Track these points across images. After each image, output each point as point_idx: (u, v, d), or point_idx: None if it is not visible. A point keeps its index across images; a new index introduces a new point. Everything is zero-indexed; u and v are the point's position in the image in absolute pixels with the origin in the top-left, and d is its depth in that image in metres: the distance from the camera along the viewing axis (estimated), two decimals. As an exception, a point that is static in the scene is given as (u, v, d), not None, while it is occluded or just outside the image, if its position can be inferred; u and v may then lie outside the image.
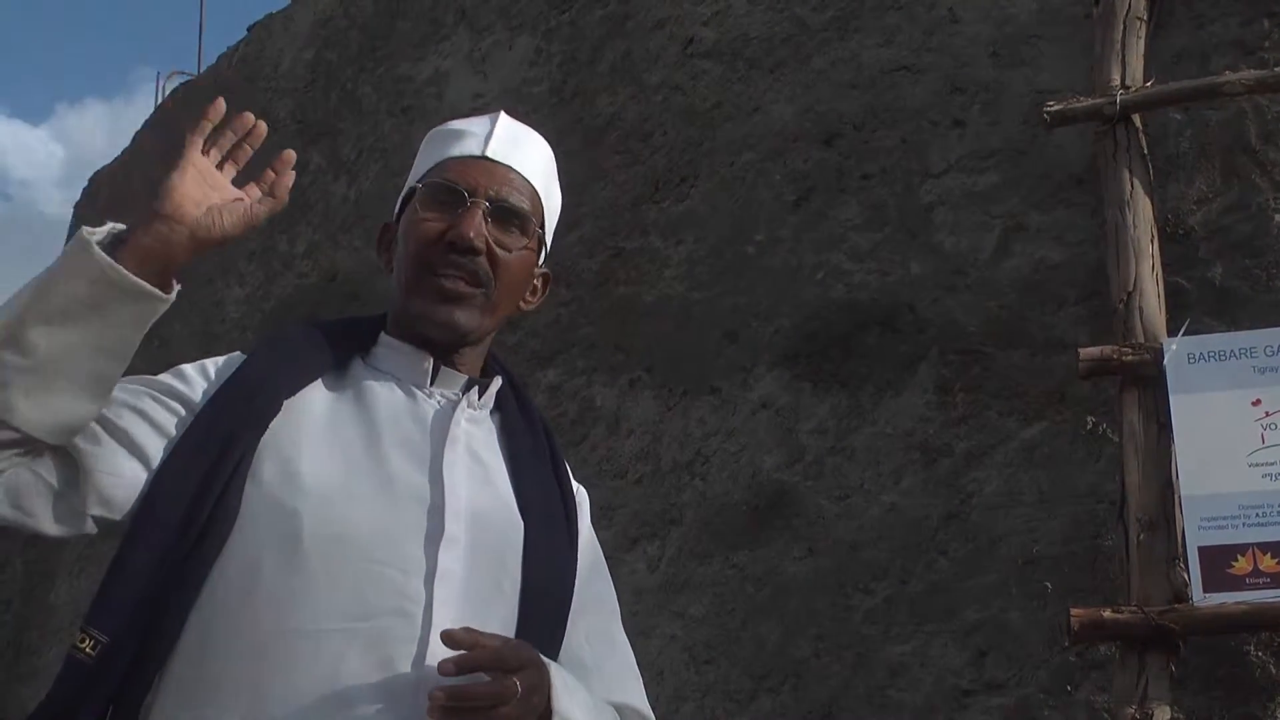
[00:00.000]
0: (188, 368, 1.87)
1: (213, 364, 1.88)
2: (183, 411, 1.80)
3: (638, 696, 2.01)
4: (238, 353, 1.93)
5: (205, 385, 1.83)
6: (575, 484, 2.09)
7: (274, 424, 1.80)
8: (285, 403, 1.81)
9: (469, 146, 1.98)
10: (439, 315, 1.90)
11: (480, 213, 1.90)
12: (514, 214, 1.94)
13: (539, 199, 2.00)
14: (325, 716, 1.66)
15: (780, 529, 4.18)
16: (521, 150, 2.01)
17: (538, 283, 2.06)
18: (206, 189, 1.78)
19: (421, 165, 2.03)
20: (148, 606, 1.69)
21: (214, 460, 1.73)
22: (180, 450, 1.75)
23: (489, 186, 1.93)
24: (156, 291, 1.68)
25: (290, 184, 1.87)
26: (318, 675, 1.67)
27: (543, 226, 2.01)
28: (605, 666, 1.99)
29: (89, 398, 1.68)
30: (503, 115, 2.04)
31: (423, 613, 1.73)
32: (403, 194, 2.05)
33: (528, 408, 2.07)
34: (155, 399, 1.80)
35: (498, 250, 1.91)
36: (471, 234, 1.88)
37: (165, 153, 8.52)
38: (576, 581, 2.00)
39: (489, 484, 1.90)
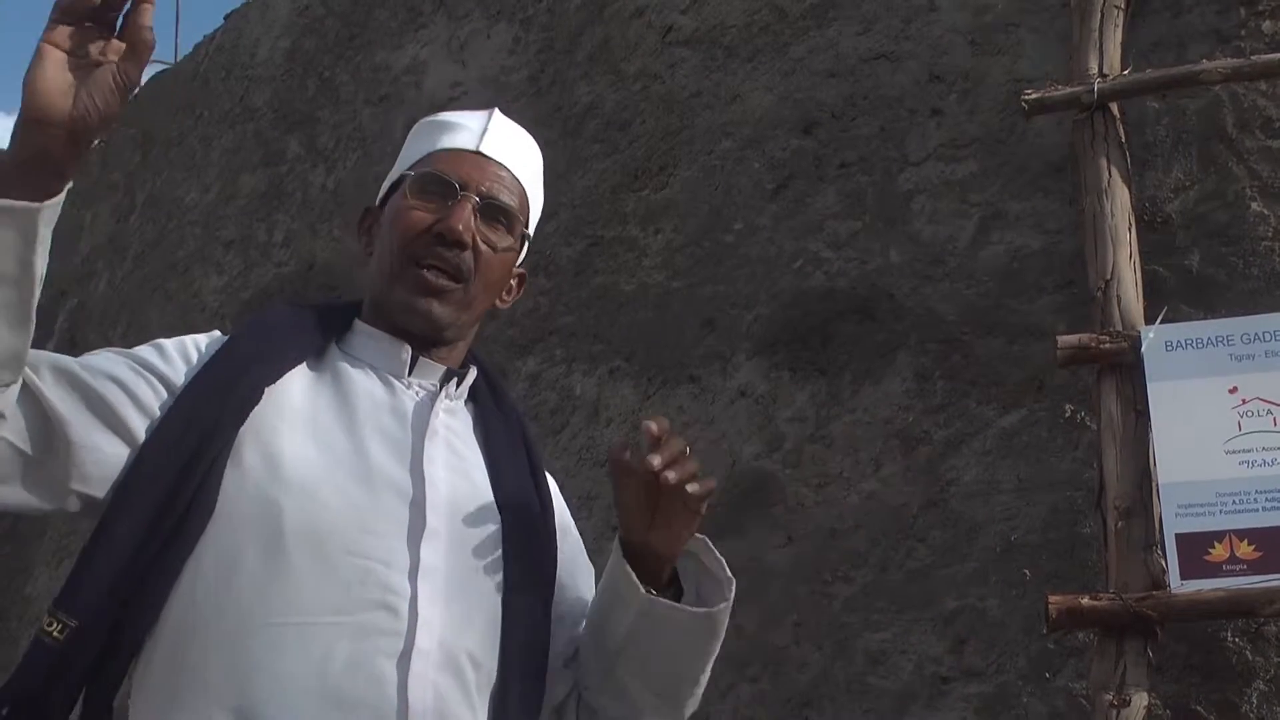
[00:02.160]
0: (168, 344, 1.84)
1: (193, 343, 1.86)
2: (164, 392, 1.78)
3: None
4: (216, 332, 1.92)
5: (186, 367, 1.81)
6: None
7: (255, 410, 1.78)
8: (266, 390, 1.80)
9: (462, 139, 1.97)
10: (419, 306, 1.90)
11: (470, 207, 1.90)
12: (502, 212, 1.94)
13: (526, 199, 2.00)
14: (311, 708, 1.65)
15: (759, 517, 4.18)
16: (514, 149, 2.01)
17: (513, 282, 2.07)
18: (74, 70, 1.55)
19: (411, 153, 2.01)
20: (121, 593, 1.67)
21: (195, 448, 1.72)
22: (161, 434, 1.73)
23: (480, 181, 1.93)
24: (26, 204, 1.52)
25: (147, 19, 1.58)
26: (304, 667, 1.66)
27: (527, 226, 2.01)
28: None
29: (5, 327, 1.58)
30: (497, 112, 2.04)
31: (408, 607, 1.73)
32: (389, 180, 2.03)
33: (502, 398, 2.07)
34: (137, 372, 1.78)
35: (483, 246, 1.91)
36: (460, 227, 1.88)
37: (142, 143, 8.48)
38: (569, 565, 2.05)
39: (467, 476, 1.90)
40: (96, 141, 1.59)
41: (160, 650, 1.70)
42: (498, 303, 2.04)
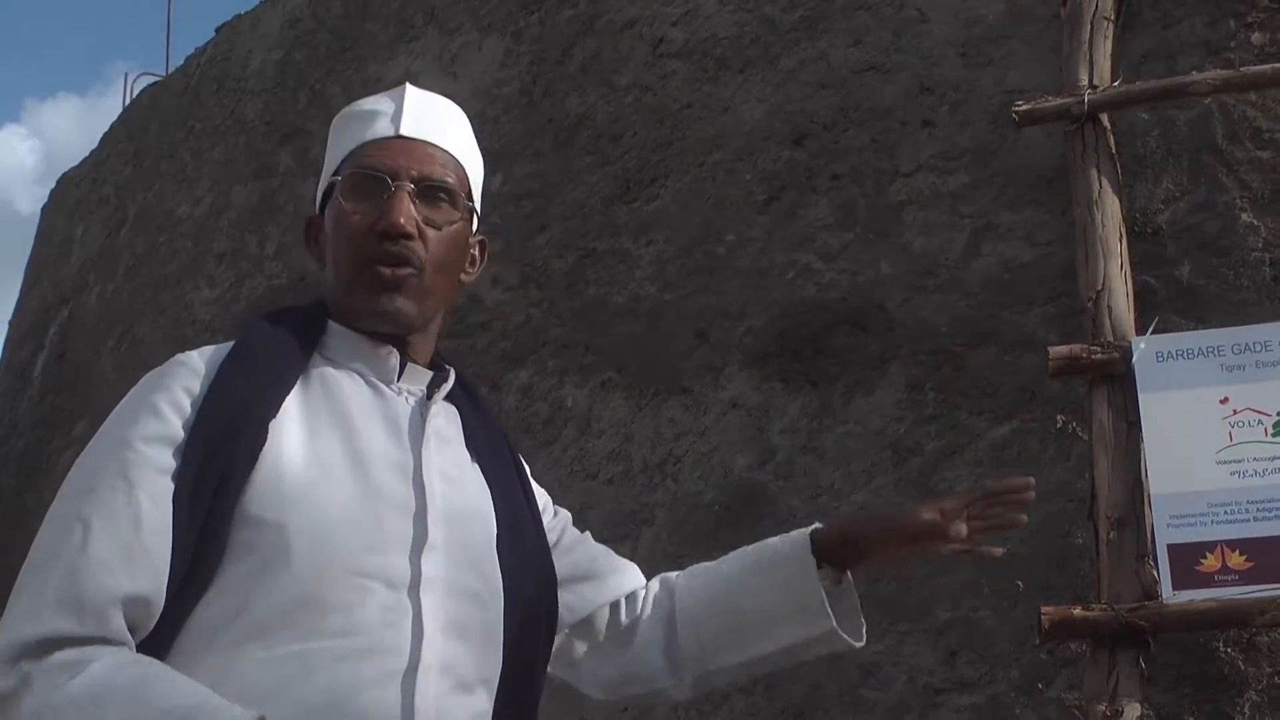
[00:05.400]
0: (161, 403, 1.76)
1: (182, 390, 1.77)
2: (173, 463, 1.71)
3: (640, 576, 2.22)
4: (195, 356, 1.84)
5: (181, 420, 1.74)
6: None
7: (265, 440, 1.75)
8: (272, 422, 1.75)
9: (381, 127, 1.92)
10: (383, 306, 1.86)
11: (406, 195, 1.85)
12: (440, 190, 1.89)
13: (462, 169, 1.95)
14: None
15: (752, 529, 4.18)
16: (435, 122, 1.96)
17: (475, 251, 2.01)
18: None
19: (336, 153, 1.97)
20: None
21: (210, 504, 1.68)
22: (180, 497, 1.69)
23: (409, 166, 1.88)
24: None
25: None
26: (308, 694, 1.64)
27: (470, 196, 1.96)
28: (614, 564, 2.18)
29: None
30: (409, 88, 1.98)
31: (410, 624, 1.72)
32: (322, 184, 1.99)
33: (476, 397, 2.06)
34: (154, 498, 1.69)
35: (429, 230, 1.87)
36: (401, 220, 1.83)
37: (133, 157, 8.49)
38: (561, 538, 2.07)
39: (460, 481, 1.88)
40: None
41: None
42: (463, 277, 1.99)
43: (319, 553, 1.69)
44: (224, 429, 1.73)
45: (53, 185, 10.27)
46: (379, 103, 1.97)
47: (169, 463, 1.71)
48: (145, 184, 8.09)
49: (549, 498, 2.16)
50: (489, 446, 1.99)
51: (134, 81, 11.48)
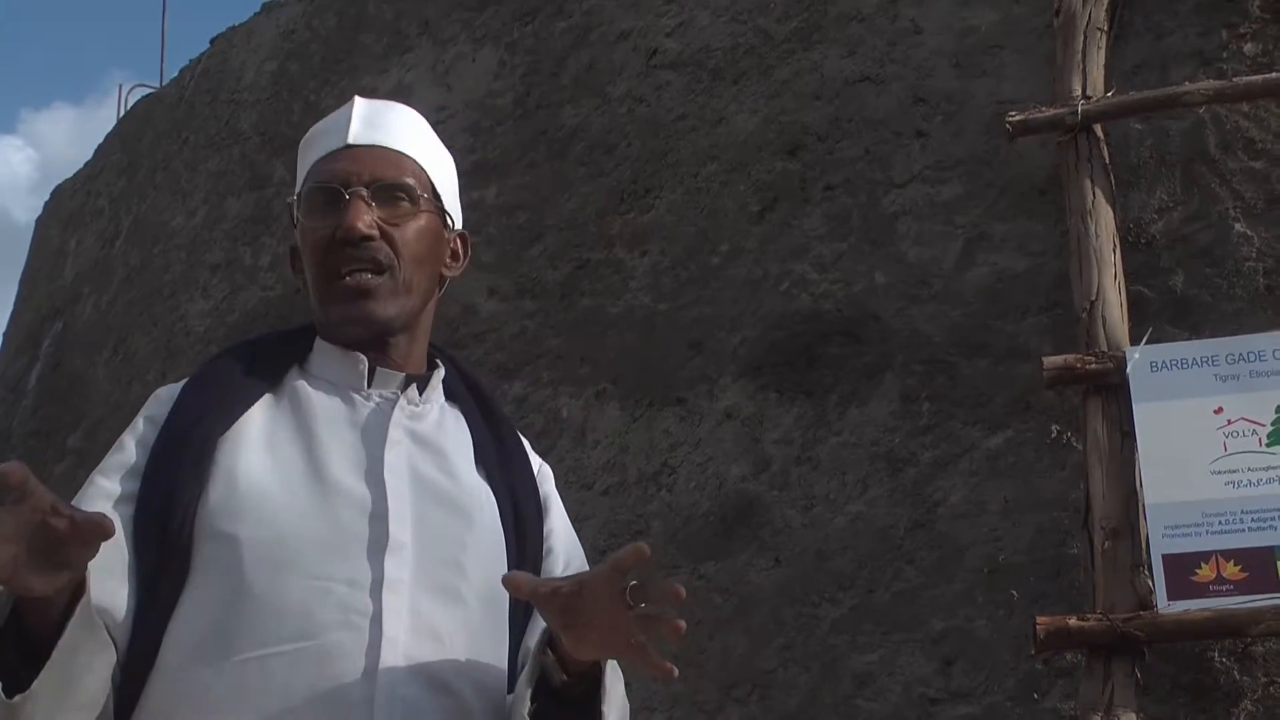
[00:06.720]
0: (126, 437, 1.84)
1: (145, 420, 1.84)
2: (130, 488, 1.77)
3: None
4: (168, 388, 1.89)
5: (142, 447, 1.80)
6: (536, 459, 2.06)
7: (215, 457, 1.76)
8: (221, 438, 1.78)
9: (331, 143, 1.93)
10: (354, 313, 1.86)
11: (361, 201, 1.85)
12: (394, 188, 1.89)
13: (419, 166, 1.94)
14: None
15: (747, 539, 4.18)
16: (385, 127, 1.95)
17: (455, 246, 2.01)
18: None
19: (299, 178, 1.98)
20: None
21: (164, 520, 1.71)
22: (137, 518, 1.73)
23: (360, 172, 1.88)
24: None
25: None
26: (267, 700, 1.64)
27: (435, 192, 1.95)
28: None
29: None
30: (357, 100, 1.98)
31: (369, 624, 1.70)
32: (292, 213, 1.99)
33: (481, 396, 2.04)
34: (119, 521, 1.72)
35: (391, 230, 1.87)
36: (358, 224, 1.83)
37: (127, 168, 8.48)
38: (561, 554, 1.99)
39: (441, 482, 1.87)
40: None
41: (147, 710, 1.69)
42: (444, 271, 1.99)
43: (273, 560, 1.70)
44: (173, 447, 1.77)
45: (47, 196, 10.26)
46: (330, 120, 1.99)
47: (124, 489, 1.76)
48: (139, 195, 8.08)
49: (577, 543, 2.06)
50: (495, 447, 1.97)
51: (129, 92, 11.48)
